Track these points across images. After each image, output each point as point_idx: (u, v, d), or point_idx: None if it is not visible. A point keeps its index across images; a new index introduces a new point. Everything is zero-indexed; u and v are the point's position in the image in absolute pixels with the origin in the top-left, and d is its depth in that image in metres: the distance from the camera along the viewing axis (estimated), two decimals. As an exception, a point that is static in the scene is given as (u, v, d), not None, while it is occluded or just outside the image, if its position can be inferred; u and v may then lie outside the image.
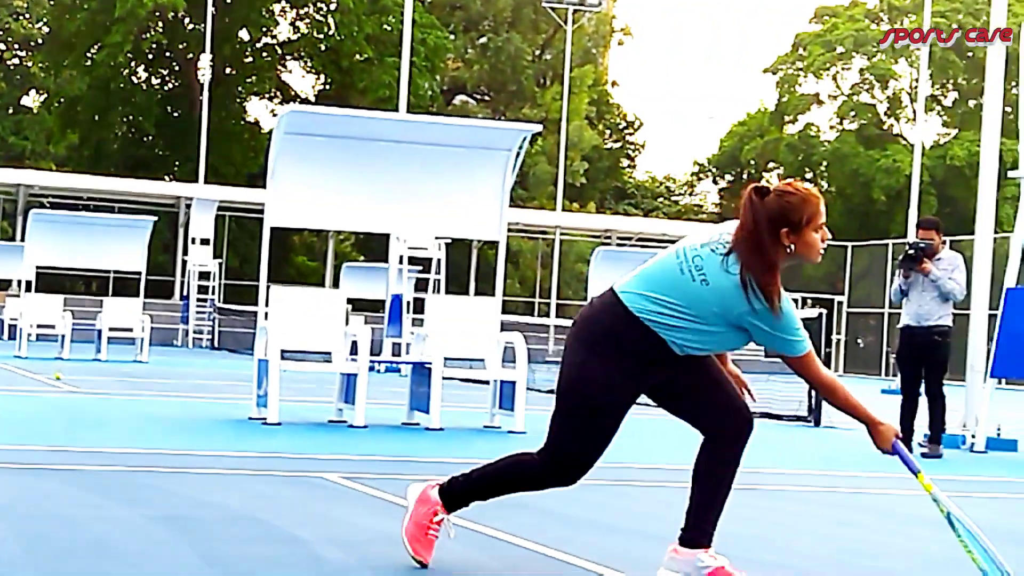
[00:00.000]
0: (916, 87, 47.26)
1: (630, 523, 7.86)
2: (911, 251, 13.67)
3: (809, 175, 65.95)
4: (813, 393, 17.69)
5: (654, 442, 13.24)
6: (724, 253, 5.43)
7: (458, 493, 5.91)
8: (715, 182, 73.61)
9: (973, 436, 14.58)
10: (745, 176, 70.27)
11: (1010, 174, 15.10)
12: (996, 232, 16.99)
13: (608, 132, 70.98)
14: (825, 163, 64.51)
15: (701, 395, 5.73)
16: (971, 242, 16.55)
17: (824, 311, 19.28)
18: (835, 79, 65.01)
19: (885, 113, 64.55)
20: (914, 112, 55.65)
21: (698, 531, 5.71)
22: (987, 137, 15.58)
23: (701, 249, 5.49)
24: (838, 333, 50.99)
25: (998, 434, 14.86)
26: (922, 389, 13.64)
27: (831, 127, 65.57)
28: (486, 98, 68.12)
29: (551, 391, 23.26)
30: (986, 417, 14.48)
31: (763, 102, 69.48)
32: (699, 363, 5.68)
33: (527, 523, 7.33)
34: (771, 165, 67.77)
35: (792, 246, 5.45)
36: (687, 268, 5.47)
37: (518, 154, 15.19)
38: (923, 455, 13.27)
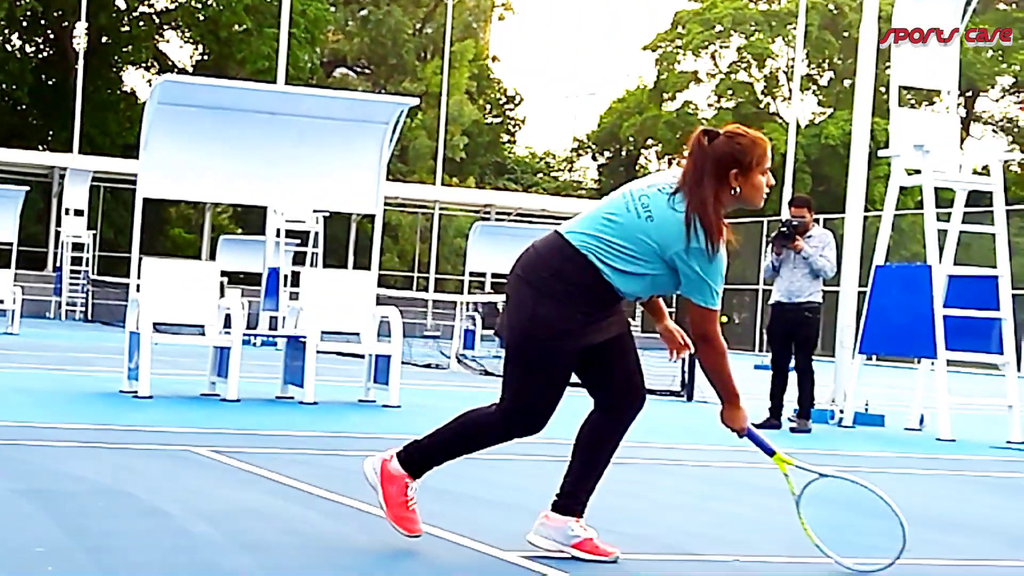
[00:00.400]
0: (792, 66, 47.77)
1: (507, 497, 7.88)
2: (783, 228, 13.85)
3: (687, 153, 66.41)
4: (687, 368, 17.87)
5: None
6: (671, 192, 5.56)
7: (420, 460, 5.88)
8: (594, 158, 73.87)
9: (841, 411, 14.82)
10: (624, 153, 70.64)
11: (881, 153, 15.33)
12: (867, 210, 17.25)
13: (488, 107, 70.95)
14: (703, 141, 64.94)
15: (611, 366, 5.79)
16: (844, 220, 16.79)
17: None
18: (713, 57, 65.52)
19: (762, 92, 65.18)
20: (790, 91, 56.20)
21: (572, 499, 5.77)
22: (859, 116, 15.79)
23: (648, 189, 5.62)
24: (714, 309, 51.39)
25: (866, 409, 15.11)
26: (792, 365, 13.83)
27: (709, 105, 66.08)
28: (366, 71, 67.78)
29: (427, 365, 23.29)
30: (854, 392, 14.71)
31: (642, 79, 69.86)
32: (625, 337, 5.77)
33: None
34: (650, 142, 68.17)
35: (739, 188, 5.62)
36: (633, 207, 5.58)
37: (395, 127, 15.14)
38: (792, 430, 13.45)
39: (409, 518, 5.83)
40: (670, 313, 6.18)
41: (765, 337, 14.02)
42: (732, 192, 5.60)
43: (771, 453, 5.83)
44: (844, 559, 5.87)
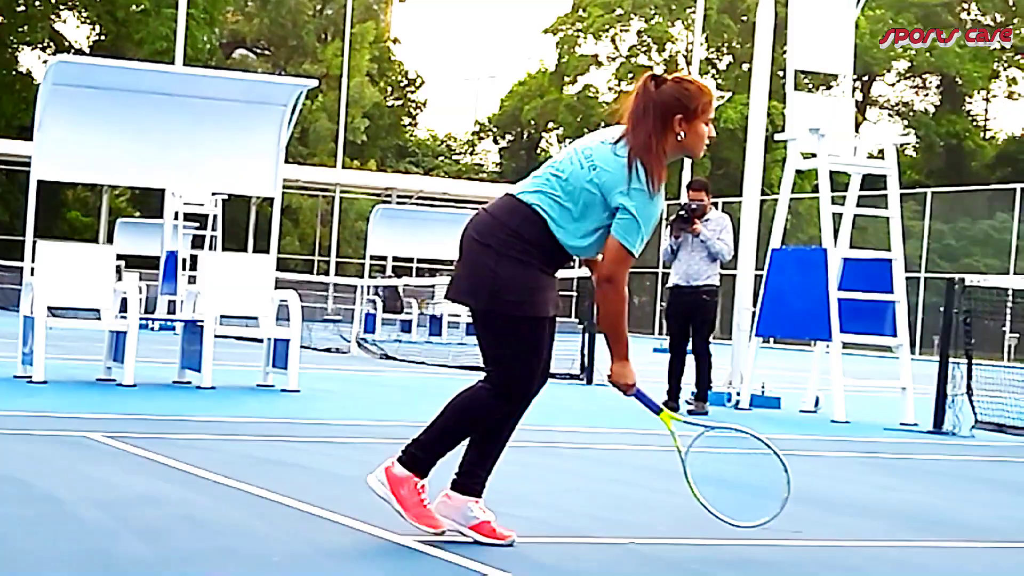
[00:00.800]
0: (692, 50, 47.98)
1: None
2: (682, 212, 13.94)
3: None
4: (587, 351, 17.93)
5: (425, 400, 13.32)
6: (614, 142, 5.67)
7: (424, 456, 5.79)
8: (496, 141, 73.89)
9: (738, 393, 14.94)
10: (525, 136, 70.69)
11: (777, 137, 15.45)
12: (765, 194, 17.38)
13: (390, 89, 70.69)
14: (603, 124, 65.02)
15: None
16: (742, 203, 16.91)
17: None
18: (614, 41, 65.72)
19: (662, 75, 65.45)
20: (689, 75, 56.45)
21: (472, 478, 5.78)
22: (755, 100, 15.91)
23: (592, 143, 5.74)
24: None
25: (762, 391, 15.25)
26: (689, 347, 13.93)
27: (610, 88, 66.30)
28: (266, 52, 67.27)
29: (327, 349, 23.20)
30: (751, 375, 14.84)
31: (543, 63, 69.92)
32: (554, 321, 5.85)
33: (299, 484, 7.30)
34: (551, 125, 68.29)
35: (683, 133, 5.70)
36: (578, 159, 5.68)
37: (294, 109, 15.05)
38: (690, 412, 13.54)
39: (430, 515, 5.79)
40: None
41: (664, 320, 14.06)
42: (677, 138, 5.70)
43: (658, 411, 5.89)
44: (731, 518, 5.94)
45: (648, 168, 5.56)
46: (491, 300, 5.65)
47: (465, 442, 5.84)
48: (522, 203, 5.67)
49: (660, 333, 45.43)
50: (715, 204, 14.26)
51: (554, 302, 5.79)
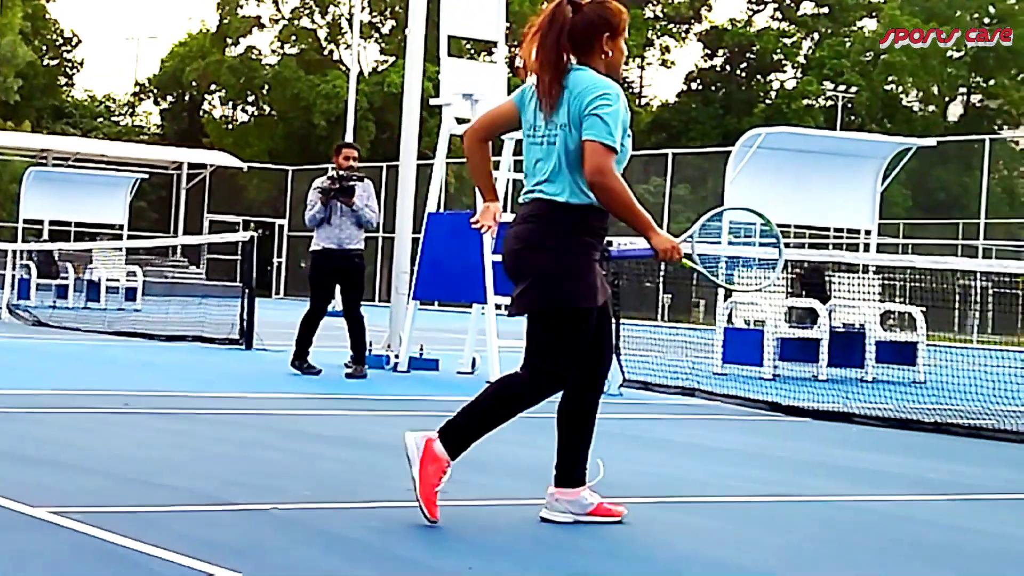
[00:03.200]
0: (354, 14, 47.86)
1: (42, 452, 7.60)
2: (339, 184, 13.85)
3: (252, 98, 65.88)
4: (246, 316, 17.73)
5: (74, 367, 12.99)
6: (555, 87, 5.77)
7: (460, 441, 5.89)
8: (156, 103, 72.29)
9: (397, 356, 15.01)
10: (187, 98, 69.43)
11: (432, 102, 15.55)
12: (428, 158, 17.49)
13: (45, 48, 68.44)
14: (267, 87, 64.49)
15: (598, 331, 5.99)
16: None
17: (265, 233, 19.36)
18: (276, 3, 65.06)
19: (326, 39, 65.20)
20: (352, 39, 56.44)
21: (574, 470, 6.06)
22: (411, 65, 15.92)
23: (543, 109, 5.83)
24: (279, 256, 51.40)
25: (420, 354, 15.36)
26: (340, 311, 13.99)
27: (273, 51, 65.66)
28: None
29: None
30: (409, 338, 14.93)
31: (205, 23, 68.74)
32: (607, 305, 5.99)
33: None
34: (213, 87, 67.20)
35: (610, 52, 5.81)
36: (543, 129, 5.81)
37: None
38: (347, 375, 13.56)
39: (434, 502, 5.76)
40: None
41: (309, 283, 14.03)
42: (603, 57, 5.82)
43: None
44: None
45: (614, 73, 5.81)
46: (560, 302, 5.78)
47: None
48: (545, 199, 5.81)
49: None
50: (380, 168, 14.28)
51: (603, 290, 5.89)
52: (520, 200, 5.99)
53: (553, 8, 5.81)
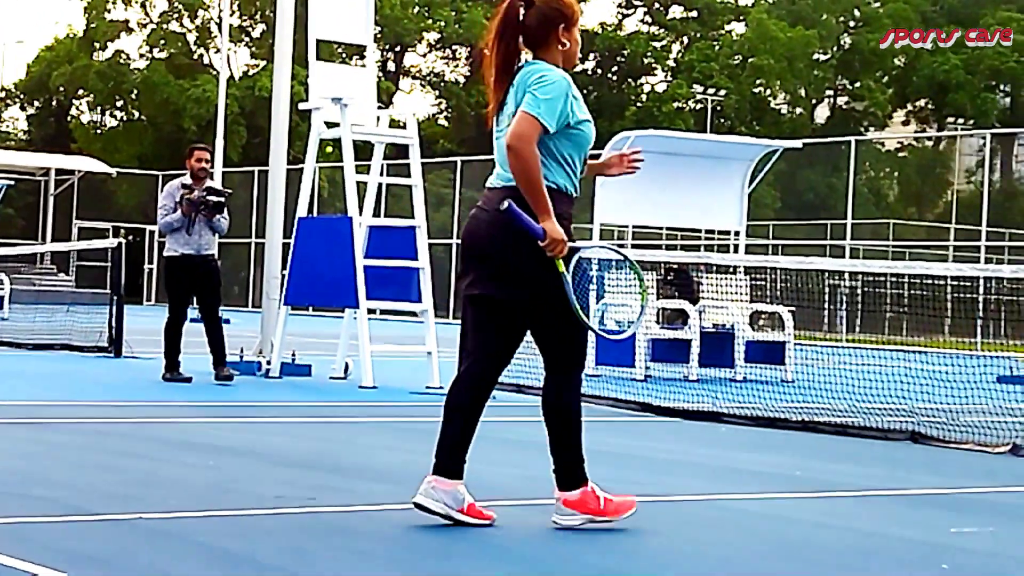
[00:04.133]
0: (223, 18, 47.41)
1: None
2: (213, 197, 13.85)
3: (120, 103, 65.07)
4: (115, 324, 17.54)
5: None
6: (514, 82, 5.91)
7: (579, 469, 6.07)
8: (23, 108, 71.13)
9: (269, 362, 14.91)
10: (55, 103, 68.41)
11: (301, 106, 15.46)
12: (291, 164, 17.38)
13: (-94, 53, 67.01)
14: (136, 92, 63.71)
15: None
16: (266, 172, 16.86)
17: (135, 239, 19.19)
18: (144, 7, 64.29)
19: (195, 43, 64.58)
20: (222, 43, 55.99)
21: (574, 469, 6.06)
22: (279, 69, 15.80)
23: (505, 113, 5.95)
24: (150, 263, 50.85)
25: (292, 359, 15.28)
26: (198, 316, 13.96)
27: (141, 55, 64.86)
28: None
29: None
30: (280, 343, 14.84)
31: (72, 27, 67.74)
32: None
33: None
34: (81, 92, 66.25)
35: (567, 43, 5.95)
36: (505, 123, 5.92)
37: None
38: (216, 379, 13.46)
39: (480, 511, 5.98)
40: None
41: (166, 290, 14.04)
42: (560, 48, 5.93)
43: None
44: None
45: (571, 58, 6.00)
46: (529, 289, 5.90)
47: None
48: (497, 187, 5.91)
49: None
50: (252, 172, 14.24)
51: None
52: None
53: (505, 8, 5.93)
